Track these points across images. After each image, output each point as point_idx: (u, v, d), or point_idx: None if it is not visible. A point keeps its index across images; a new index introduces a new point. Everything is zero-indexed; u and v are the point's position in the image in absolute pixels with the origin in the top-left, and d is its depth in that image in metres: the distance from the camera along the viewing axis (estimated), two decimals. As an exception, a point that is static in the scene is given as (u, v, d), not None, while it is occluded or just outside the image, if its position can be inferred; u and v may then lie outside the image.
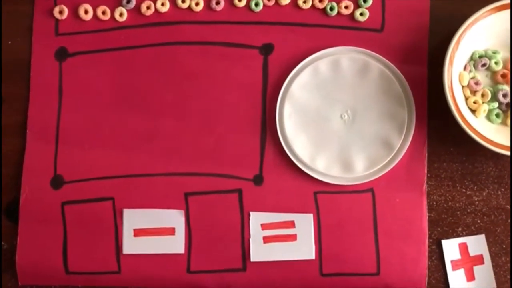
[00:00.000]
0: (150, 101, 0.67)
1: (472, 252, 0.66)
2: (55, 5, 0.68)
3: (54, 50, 0.68)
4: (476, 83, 0.65)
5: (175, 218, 0.66)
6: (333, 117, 0.66)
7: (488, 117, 0.66)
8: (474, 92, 0.65)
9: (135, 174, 0.67)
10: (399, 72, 0.65)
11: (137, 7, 0.68)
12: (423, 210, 0.66)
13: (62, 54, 0.68)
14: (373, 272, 0.65)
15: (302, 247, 0.65)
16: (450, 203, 0.67)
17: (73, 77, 0.68)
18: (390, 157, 0.65)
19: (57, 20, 0.68)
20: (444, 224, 0.66)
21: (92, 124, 0.67)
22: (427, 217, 0.66)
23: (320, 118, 0.66)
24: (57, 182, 0.67)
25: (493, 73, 0.66)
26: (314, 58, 0.66)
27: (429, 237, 0.66)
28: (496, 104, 0.65)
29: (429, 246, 0.66)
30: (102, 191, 0.67)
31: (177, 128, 0.67)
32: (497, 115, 0.65)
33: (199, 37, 0.68)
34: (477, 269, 0.65)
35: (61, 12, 0.68)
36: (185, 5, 0.68)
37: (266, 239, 0.65)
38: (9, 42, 0.69)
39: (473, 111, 0.65)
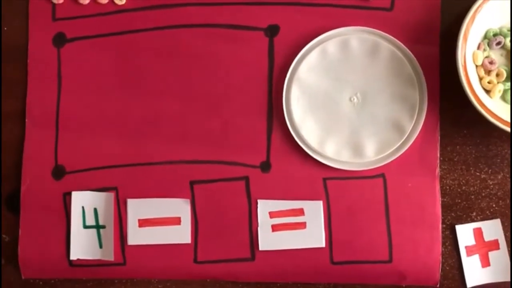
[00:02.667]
0: (153, 86, 0.65)
1: (487, 237, 0.64)
2: (52, -12, 0.66)
3: (52, 36, 0.66)
4: (491, 62, 0.63)
5: (180, 207, 0.64)
6: (342, 100, 0.64)
7: (503, 98, 0.63)
8: (488, 72, 0.63)
9: (138, 163, 0.65)
10: (410, 52, 0.63)
11: (137, -11, 0.66)
12: (436, 195, 0.64)
13: (60, 40, 0.66)
14: (385, 259, 0.64)
15: (312, 235, 0.63)
16: (464, 187, 0.65)
17: (73, 63, 0.66)
18: (402, 140, 0.63)
19: (54, 4, 0.66)
20: (457, 209, 0.65)
21: (93, 111, 0.66)
22: (440, 202, 0.64)
23: (329, 101, 0.64)
24: (58, 172, 0.66)
25: (508, 52, 0.63)
26: (322, 39, 0.64)
27: (443, 223, 0.64)
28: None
29: (442, 232, 0.64)
30: (105, 181, 0.65)
31: (182, 114, 0.65)
32: (513, 96, 0.63)
33: (202, 20, 0.65)
34: (492, 254, 0.64)
35: (58, -4, 0.66)
36: (186, -14, 0.66)
37: (275, 228, 0.64)
38: (5, 28, 0.67)
39: (488, 92, 0.63)
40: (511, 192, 0.63)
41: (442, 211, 0.64)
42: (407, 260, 0.63)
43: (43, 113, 0.66)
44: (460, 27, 0.60)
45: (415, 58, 0.63)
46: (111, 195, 0.65)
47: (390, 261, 0.64)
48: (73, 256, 0.65)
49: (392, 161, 0.63)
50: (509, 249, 0.63)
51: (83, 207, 0.65)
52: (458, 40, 0.60)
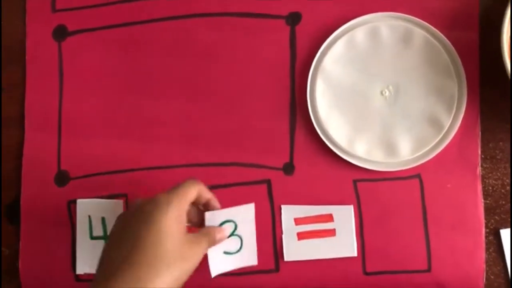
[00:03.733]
0: (164, 83, 0.61)
1: (535, 242, 0.59)
2: (51, -23, 0.62)
3: (52, 29, 0.62)
4: (538, 49, 0.57)
5: None
6: (373, 94, 0.60)
7: (551, 88, 0.58)
8: (535, 59, 0.57)
9: (150, 166, 0.61)
10: (446, 39, 0.59)
11: (144, -23, 0.62)
12: (478, 196, 0.59)
13: (61, 33, 0.62)
14: (424, 268, 0.59)
15: (342, 243, 0.59)
16: (508, 187, 0.60)
17: (75, 58, 0.62)
18: (440, 137, 0.59)
19: (53, -6, 0.62)
20: (502, 212, 0.60)
21: (99, 111, 0.62)
22: (482, 204, 0.59)
23: (358, 96, 0.60)
24: (61, 178, 0.62)
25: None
26: (349, 27, 0.60)
27: (486, 227, 0.59)
28: (561, 72, 0.57)
29: (486, 237, 0.59)
30: (113, 187, 0.61)
31: (195, 113, 0.61)
32: (562, 85, 0.57)
33: (216, 8, 0.61)
34: (541, 261, 0.59)
35: (57, -15, 0.62)
36: (198, -28, 0.61)
37: (301, 236, 0.60)
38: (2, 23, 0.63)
39: (534, 81, 0.58)
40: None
41: (485, 214, 0.59)
42: (447, 269, 0.59)
43: (43, 114, 0.62)
44: (506, 8, 0.54)
45: (452, 46, 0.59)
46: (120, 203, 0.61)
47: (428, 270, 0.59)
48: (79, 271, 0.61)
49: (429, 160, 0.59)
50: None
51: (89, 216, 0.61)
52: (503, 22, 0.55)
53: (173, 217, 0.46)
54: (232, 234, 0.55)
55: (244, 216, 0.55)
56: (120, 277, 0.43)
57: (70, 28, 0.62)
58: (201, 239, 0.50)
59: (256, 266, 0.59)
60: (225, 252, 0.56)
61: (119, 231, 0.48)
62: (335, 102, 0.60)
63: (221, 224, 0.55)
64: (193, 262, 0.47)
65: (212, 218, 0.54)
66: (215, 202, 0.53)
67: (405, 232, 0.59)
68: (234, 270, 0.59)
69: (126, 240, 0.45)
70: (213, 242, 0.51)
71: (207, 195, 0.52)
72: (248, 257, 0.56)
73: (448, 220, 0.59)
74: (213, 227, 0.53)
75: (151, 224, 0.45)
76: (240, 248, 0.56)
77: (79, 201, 0.61)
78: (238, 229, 0.56)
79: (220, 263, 0.55)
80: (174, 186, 0.50)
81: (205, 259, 0.57)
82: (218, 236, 0.52)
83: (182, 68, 0.61)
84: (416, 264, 0.59)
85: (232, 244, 0.56)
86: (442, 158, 0.59)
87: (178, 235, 0.46)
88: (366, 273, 0.59)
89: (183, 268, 0.46)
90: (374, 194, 0.60)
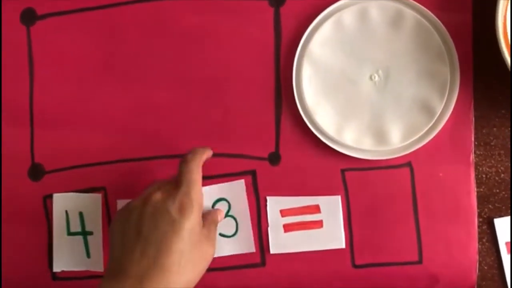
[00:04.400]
0: (143, 69, 0.58)
1: (530, 231, 0.58)
2: (18, -44, 0.58)
3: (20, 12, 0.58)
4: (535, 30, 0.54)
5: None
6: (362, 79, 0.57)
7: (548, 71, 0.55)
8: (531, 41, 0.55)
9: (128, 158, 0.59)
10: (438, 21, 0.56)
11: (118, -45, 0.58)
12: (471, 185, 0.57)
13: (29, 17, 0.58)
14: (415, 260, 0.58)
15: (330, 235, 0.57)
16: (502, 175, 0.58)
17: (46, 44, 0.58)
18: (431, 123, 0.56)
19: (21, -26, 0.59)
20: (496, 200, 0.58)
21: (73, 100, 0.59)
22: (475, 193, 0.57)
23: (346, 81, 0.57)
24: (35, 172, 0.59)
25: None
26: (337, 8, 0.57)
27: (479, 216, 0.58)
28: (558, 55, 0.55)
29: (479, 227, 0.57)
30: (91, 181, 0.59)
31: (175, 101, 0.58)
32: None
33: None
34: (536, 250, 0.58)
35: (25, -34, 0.58)
36: (176, -50, 0.57)
37: (287, 228, 0.58)
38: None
39: (530, 65, 0.55)
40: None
41: (478, 203, 0.58)
42: (439, 260, 0.57)
43: (13, 104, 0.59)
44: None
45: (444, 28, 0.56)
46: (98, 197, 0.59)
47: (420, 262, 0.58)
48: (56, 268, 0.59)
49: (420, 148, 0.56)
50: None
51: (66, 212, 0.59)
52: (497, 2, 0.52)
53: (196, 223, 0.49)
54: (226, 215, 0.56)
55: (236, 193, 0.56)
56: (150, 279, 0.46)
57: (39, 11, 0.58)
58: (211, 228, 0.52)
59: (241, 260, 0.58)
60: (221, 234, 0.56)
61: (139, 226, 0.48)
62: (322, 87, 0.57)
63: (215, 202, 0.55)
64: (211, 254, 0.51)
65: (205, 194, 0.54)
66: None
67: (395, 222, 0.57)
68: (220, 264, 0.58)
69: (152, 241, 0.47)
70: (217, 226, 0.54)
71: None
72: (245, 243, 0.57)
73: (440, 210, 0.57)
74: (214, 210, 0.55)
75: (178, 231, 0.47)
76: (236, 231, 0.56)
77: (55, 195, 0.58)
78: (231, 209, 0.56)
79: (216, 245, 0.54)
80: (186, 177, 0.50)
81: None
82: (219, 218, 0.55)
83: (161, 53, 0.58)
84: (407, 256, 0.57)
85: (227, 226, 0.57)
86: (434, 146, 0.57)
87: (200, 237, 0.49)
88: (355, 266, 0.58)
89: (205, 263, 0.50)
90: (362, 183, 0.58)
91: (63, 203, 0.58)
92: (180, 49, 0.58)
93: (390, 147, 0.57)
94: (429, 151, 0.57)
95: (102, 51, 0.58)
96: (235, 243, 0.57)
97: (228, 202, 0.57)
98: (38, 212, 0.59)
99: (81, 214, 0.58)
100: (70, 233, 0.58)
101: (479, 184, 0.58)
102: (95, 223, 0.59)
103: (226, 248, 0.57)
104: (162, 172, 0.58)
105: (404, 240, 0.57)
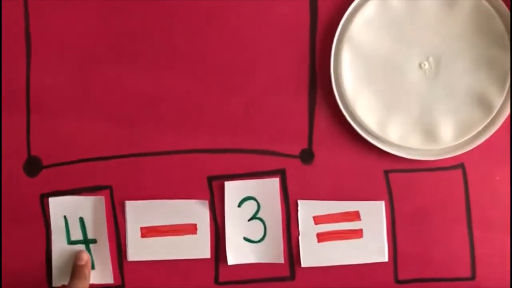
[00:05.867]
0: (154, 52, 0.55)
1: None
2: None
3: None
4: None
5: (196, 211, 0.55)
6: (410, 67, 0.54)
7: None
8: None
9: (139, 153, 0.55)
10: (502, 2, 0.53)
11: None
12: None
13: None
14: (467, 276, 0.55)
15: (371, 246, 0.55)
16: None
17: (45, 21, 0.55)
18: (488, 120, 0.54)
19: None
20: (559, 208, 0.55)
21: (76, 86, 0.55)
22: None
23: (392, 69, 0.54)
24: (32, 166, 0.55)
25: None
26: None
27: (540, 227, 0.55)
28: None
29: None
30: (95, 178, 0.55)
31: (192, 91, 0.55)
32: None
33: None
34: None
35: None
36: None
37: (321, 237, 0.55)
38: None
39: None
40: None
41: None
42: (494, 276, 0.56)
43: (8, 88, 0.55)
44: None
45: (508, 11, 0.53)
46: (100, 199, 0.55)
47: (472, 278, 0.56)
48: (56, 283, 0.55)
49: (475, 148, 0.54)
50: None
51: (65, 217, 0.54)
52: None
53: None
54: (254, 217, 0.53)
55: (268, 193, 0.53)
56: None
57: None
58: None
59: (267, 272, 0.55)
60: (246, 239, 0.53)
61: None
62: (364, 76, 0.54)
63: (241, 202, 0.52)
64: None
65: (231, 190, 0.51)
66: None
67: (445, 232, 0.55)
68: (241, 276, 0.55)
69: None
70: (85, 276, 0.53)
71: None
72: (273, 251, 0.53)
73: (496, 219, 0.55)
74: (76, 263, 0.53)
75: None
76: (264, 236, 0.53)
77: (51, 199, 0.54)
78: (261, 210, 0.52)
79: (239, 250, 0.51)
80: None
81: (222, 245, 0.54)
82: (79, 262, 0.53)
83: (176, 34, 0.54)
84: (458, 271, 0.55)
85: (254, 229, 0.53)
86: (490, 145, 0.54)
87: None
88: (398, 281, 0.55)
89: None
90: (408, 187, 0.55)
91: (61, 207, 0.55)
92: (198, 29, 0.54)
93: (440, 146, 0.54)
94: (485, 151, 0.55)
95: (109, 30, 0.55)
96: (261, 250, 0.54)
97: (258, 202, 0.53)
98: (35, 213, 0.55)
99: (81, 220, 0.54)
100: (70, 242, 0.54)
101: (540, 190, 0.55)
102: (98, 230, 0.55)
103: (250, 255, 0.54)
104: (176, 169, 0.54)
105: (455, 253, 0.55)
